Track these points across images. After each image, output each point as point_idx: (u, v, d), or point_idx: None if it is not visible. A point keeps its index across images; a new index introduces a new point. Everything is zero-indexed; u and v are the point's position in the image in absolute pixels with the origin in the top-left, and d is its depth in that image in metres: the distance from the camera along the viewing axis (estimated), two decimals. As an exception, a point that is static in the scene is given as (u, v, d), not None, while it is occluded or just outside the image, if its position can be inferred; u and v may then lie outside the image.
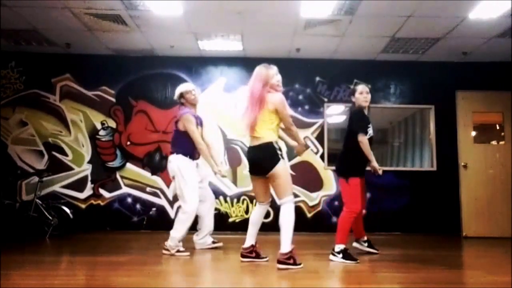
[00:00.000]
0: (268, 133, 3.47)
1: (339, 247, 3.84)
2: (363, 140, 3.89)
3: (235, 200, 6.35)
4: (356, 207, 3.88)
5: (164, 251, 4.21)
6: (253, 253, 3.72)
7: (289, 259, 3.39)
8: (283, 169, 3.47)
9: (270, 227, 6.22)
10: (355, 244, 4.32)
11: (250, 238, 3.71)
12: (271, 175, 3.44)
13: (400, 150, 7.52)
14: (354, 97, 4.20)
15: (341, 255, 3.81)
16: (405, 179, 6.43)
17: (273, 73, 3.57)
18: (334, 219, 6.15)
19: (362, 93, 4.18)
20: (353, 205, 3.89)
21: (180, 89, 4.51)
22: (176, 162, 4.24)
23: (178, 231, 4.17)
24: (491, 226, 6.19)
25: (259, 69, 3.60)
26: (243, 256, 3.71)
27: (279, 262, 3.41)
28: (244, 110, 3.56)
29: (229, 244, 4.76)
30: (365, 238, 4.35)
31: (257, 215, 3.70)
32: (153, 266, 3.61)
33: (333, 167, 6.30)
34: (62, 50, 6.35)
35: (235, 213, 6.30)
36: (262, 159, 3.46)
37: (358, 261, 3.78)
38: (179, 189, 4.24)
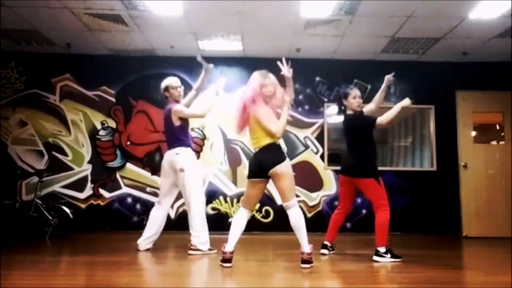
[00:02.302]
0: (266, 136, 3.45)
1: (383, 248, 3.88)
2: (384, 119, 3.90)
3: (235, 200, 6.35)
4: (387, 203, 3.93)
5: (192, 252, 4.19)
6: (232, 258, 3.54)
7: (311, 258, 3.42)
8: (289, 168, 3.46)
9: (270, 227, 6.27)
10: (323, 251, 4.21)
11: (235, 243, 3.50)
12: (276, 174, 3.38)
13: (400, 150, 7.53)
14: (347, 100, 4.07)
15: (389, 255, 3.86)
16: (405, 179, 6.43)
17: (267, 83, 3.55)
18: (334, 219, 6.16)
19: (355, 98, 4.05)
20: (385, 202, 3.93)
21: (166, 82, 4.45)
22: (187, 155, 4.24)
23: (205, 228, 4.23)
24: (491, 226, 6.19)
25: (254, 76, 3.59)
26: (229, 260, 3.45)
27: (306, 262, 3.39)
28: (237, 112, 3.59)
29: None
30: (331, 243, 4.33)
31: (244, 222, 3.54)
32: (153, 266, 3.61)
33: (334, 167, 6.37)
34: (62, 50, 6.35)
35: (235, 213, 6.29)
36: (267, 157, 3.41)
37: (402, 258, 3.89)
38: (187, 182, 4.21)
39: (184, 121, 4.35)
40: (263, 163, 3.41)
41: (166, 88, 4.41)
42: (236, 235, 3.50)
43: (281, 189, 3.45)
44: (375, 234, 3.94)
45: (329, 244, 4.28)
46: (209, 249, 4.22)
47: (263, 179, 3.48)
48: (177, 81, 4.50)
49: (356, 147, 4.04)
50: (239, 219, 3.55)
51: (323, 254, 4.20)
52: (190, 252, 4.19)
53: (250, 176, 3.53)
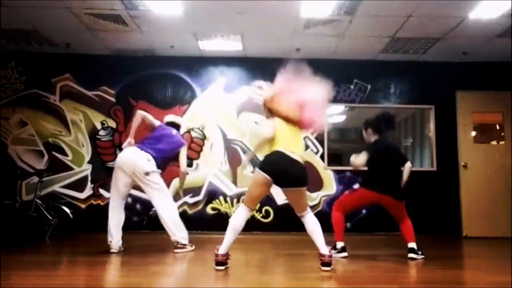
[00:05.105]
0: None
1: (416, 244, 4.08)
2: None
3: (235, 200, 6.34)
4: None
5: (177, 251, 4.30)
6: (228, 258, 3.43)
7: (331, 260, 3.36)
8: None
9: (270, 227, 6.27)
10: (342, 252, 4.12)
11: (230, 245, 3.36)
12: (302, 190, 3.40)
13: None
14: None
15: (420, 252, 4.04)
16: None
17: None
18: (334, 219, 6.15)
19: None
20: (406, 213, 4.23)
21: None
22: (154, 165, 4.30)
23: (179, 226, 4.37)
24: (491, 226, 6.19)
25: None
26: (223, 263, 3.34)
27: (327, 264, 3.32)
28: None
29: (229, 244, 4.75)
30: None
31: (243, 223, 3.39)
32: (153, 266, 3.61)
33: (334, 167, 6.39)
34: (62, 50, 6.35)
35: (235, 212, 6.27)
36: (303, 174, 3.36)
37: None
38: (157, 184, 4.29)
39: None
40: (296, 177, 3.31)
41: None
42: (233, 237, 3.35)
43: (302, 202, 3.45)
44: (410, 234, 4.13)
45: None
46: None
47: (276, 183, 3.36)
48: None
49: (398, 174, 4.26)
50: (240, 219, 3.37)
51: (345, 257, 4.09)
52: (177, 251, 4.31)
53: (273, 177, 3.29)
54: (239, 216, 3.37)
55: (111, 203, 4.35)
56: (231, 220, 3.39)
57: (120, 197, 4.35)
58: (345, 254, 4.11)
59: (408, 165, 4.29)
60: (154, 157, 4.29)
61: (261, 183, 3.33)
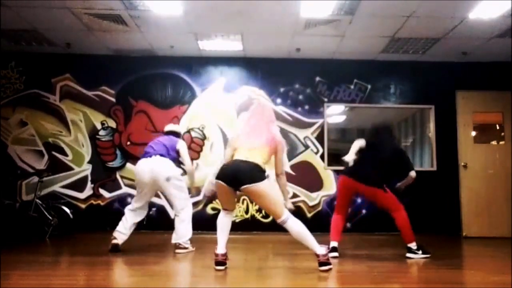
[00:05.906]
0: (262, 157, 3.38)
1: (414, 244, 4.04)
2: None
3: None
4: (400, 205, 4.12)
5: (179, 251, 4.34)
6: (227, 259, 3.48)
7: (328, 259, 3.33)
8: (268, 186, 3.26)
9: (270, 227, 6.26)
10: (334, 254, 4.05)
11: (225, 243, 3.46)
12: (250, 191, 3.23)
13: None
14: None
15: (421, 251, 4.02)
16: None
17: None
18: (334, 219, 6.15)
19: None
20: (399, 205, 4.11)
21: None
22: (173, 168, 4.40)
23: (189, 229, 4.43)
24: (491, 226, 6.20)
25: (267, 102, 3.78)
26: (223, 263, 3.39)
27: (324, 263, 3.28)
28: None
29: (229, 244, 4.73)
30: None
31: (229, 222, 3.51)
32: (153, 266, 3.61)
33: (334, 167, 6.38)
34: (62, 50, 6.34)
35: (235, 213, 6.27)
36: (247, 171, 3.24)
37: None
38: (177, 189, 4.38)
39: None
40: (240, 175, 3.24)
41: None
42: (224, 236, 3.45)
43: (268, 206, 3.29)
44: (403, 234, 4.08)
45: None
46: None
47: (233, 188, 3.32)
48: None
49: (382, 168, 4.19)
50: (223, 220, 3.49)
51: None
52: (178, 251, 4.36)
53: (225, 181, 3.32)
54: (223, 219, 3.50)
55: (136, 206, 4.56)
56: (217, 224, 3.51)
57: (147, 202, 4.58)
58: (334, 254, 4.00)
59: (411, 174, 4.30)
60: (169, 158, 4.38)
61: (221, 192, 3.42)
